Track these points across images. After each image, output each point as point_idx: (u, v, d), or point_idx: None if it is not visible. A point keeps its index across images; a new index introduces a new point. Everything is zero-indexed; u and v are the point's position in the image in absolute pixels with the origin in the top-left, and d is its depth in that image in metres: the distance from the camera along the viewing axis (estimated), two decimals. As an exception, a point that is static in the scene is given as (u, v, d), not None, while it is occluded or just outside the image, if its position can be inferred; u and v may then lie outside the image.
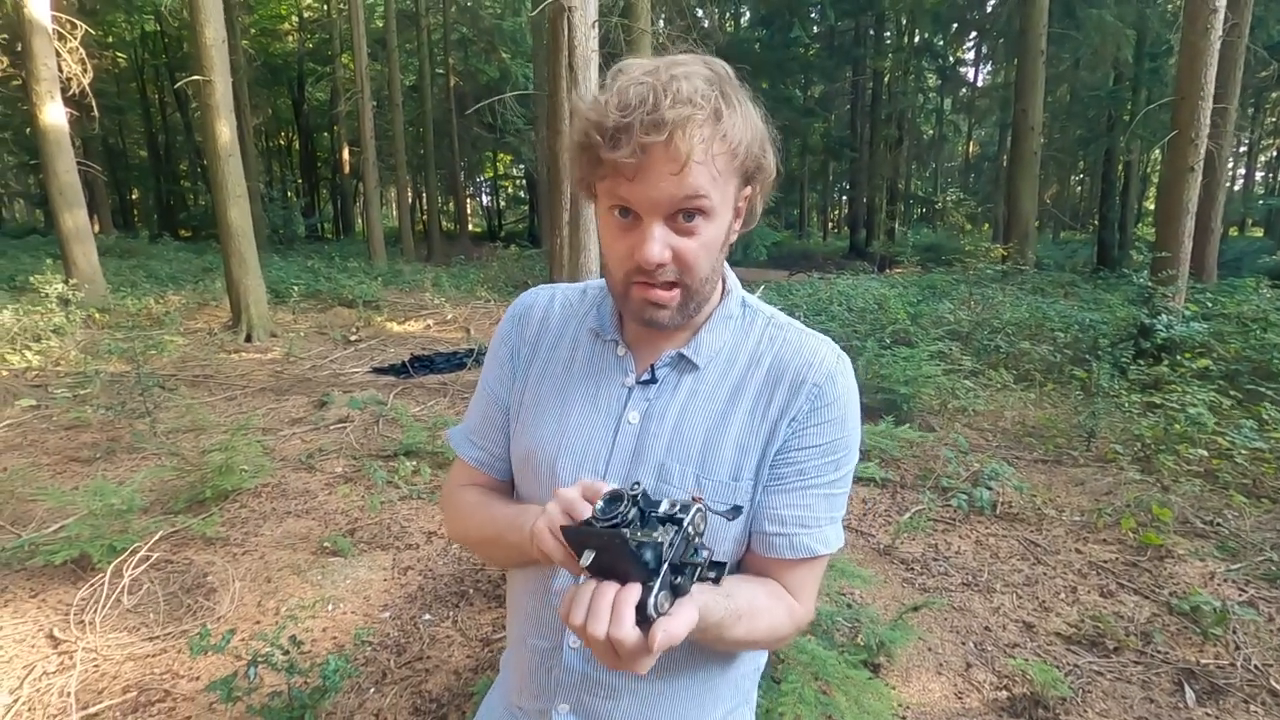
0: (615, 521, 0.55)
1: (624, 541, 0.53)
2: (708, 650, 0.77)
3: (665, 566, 0.55)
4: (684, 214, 0.66)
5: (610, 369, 0.80)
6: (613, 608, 0.55)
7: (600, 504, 0.57)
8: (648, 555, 0.54)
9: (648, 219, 0.66)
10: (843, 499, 0.78)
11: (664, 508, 0.57)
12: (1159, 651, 2.31)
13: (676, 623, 0.55)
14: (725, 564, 0.61)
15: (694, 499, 0.58)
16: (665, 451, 0.75)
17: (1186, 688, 2.13)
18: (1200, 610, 2.42)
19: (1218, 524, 3.17)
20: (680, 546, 0.56)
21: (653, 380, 0.77)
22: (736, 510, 0.66)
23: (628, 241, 0.68)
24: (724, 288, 0.80)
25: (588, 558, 0.56)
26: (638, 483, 0.58)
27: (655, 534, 0.55)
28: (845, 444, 0.76)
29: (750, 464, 0.74)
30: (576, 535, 0.57)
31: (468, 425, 0.90)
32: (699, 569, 0.57)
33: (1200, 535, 3.10)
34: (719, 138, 0.64)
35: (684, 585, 0.56)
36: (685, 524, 0.56)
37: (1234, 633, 2.35)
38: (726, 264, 0.82)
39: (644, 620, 0.54)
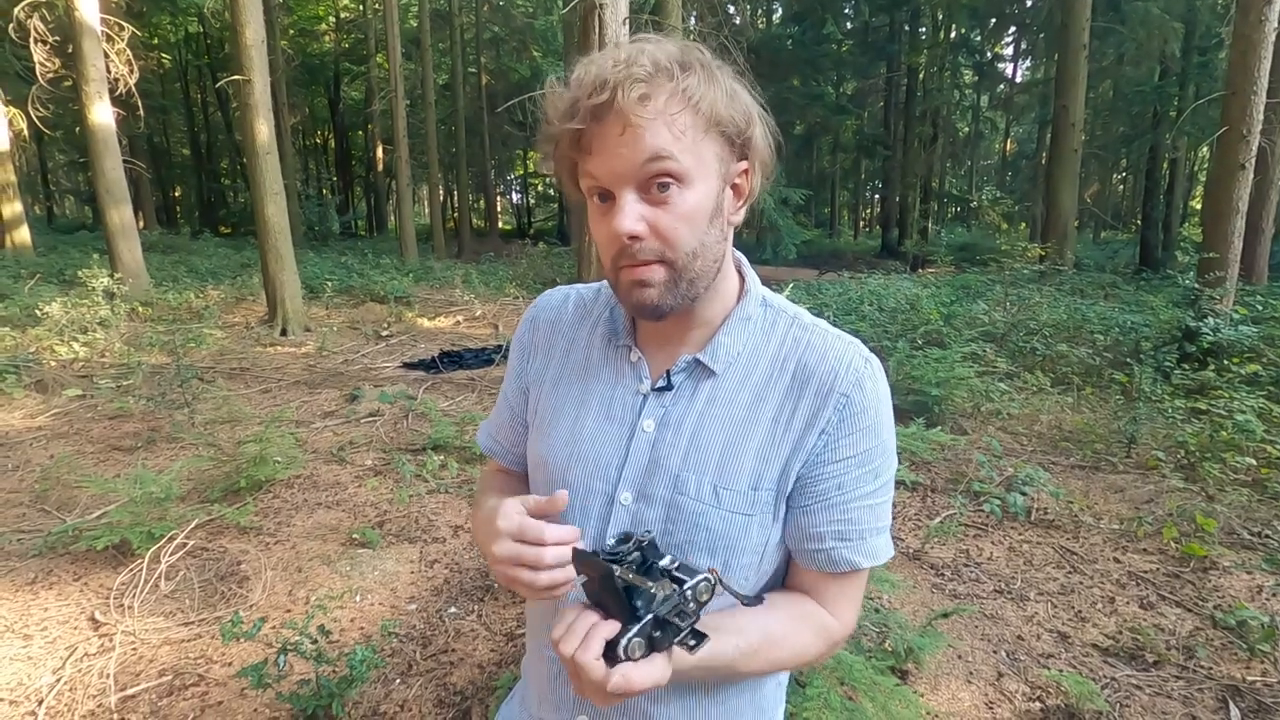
0: (616, 558, 0.58)
1: (611, 575, 0.56)
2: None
3: (650, 616, 0.56)
4: (657, 184, 0.63)
5: (624, 375, 0.78)
6: (586, 634, 0.57)
7: (612, 540, 0.60)
8: (637, 600, 0.57)
9: (618, 192, 0.64)
10: (886, 509, 0.75)
11: (665, 561, 0.59)
12: (1202, 667, 2.22)
13: (639, 672, 0.55)
14: (706, 637, 0.60)
15: (710, 570, 0.59)
16: (681, 462, 0.72)
17: (1231, 706, 2.05)
18: (1247, 625, 2.33)
19: (1266, 536, 3.04)
20: (673, 604, 0.57)
21: (668, 387, 0.75)
22: (759, 599, 0.66)
23: (608, 224, 0.66)
24: (742, 287, 0.77)
25: (580, 580, 0.59)
26: (649, 530, 0.61)
27: (652, 584, 0.57)
28: (881, 451, 0.72)
29: (772, 473, 0.71)
30: (580, 558, 0.60)
31: (489, 419, 0.96)
32: (681, 633, 0.58)
33: (1247, 547, 2.98)
34: (673, 95, 0.62)
35: (662, 641, 0.57)
36: (686, 587, 0.57)
37: (1283, 649, 2.25)
38: (748, 263, 0.79)
39: (613, 658, 0.56)
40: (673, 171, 0.62)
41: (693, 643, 0.58)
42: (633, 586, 0.56)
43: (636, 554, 0.59)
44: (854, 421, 0.70)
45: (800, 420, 0.71)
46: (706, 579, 0.58)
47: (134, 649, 2.22)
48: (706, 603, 0.58)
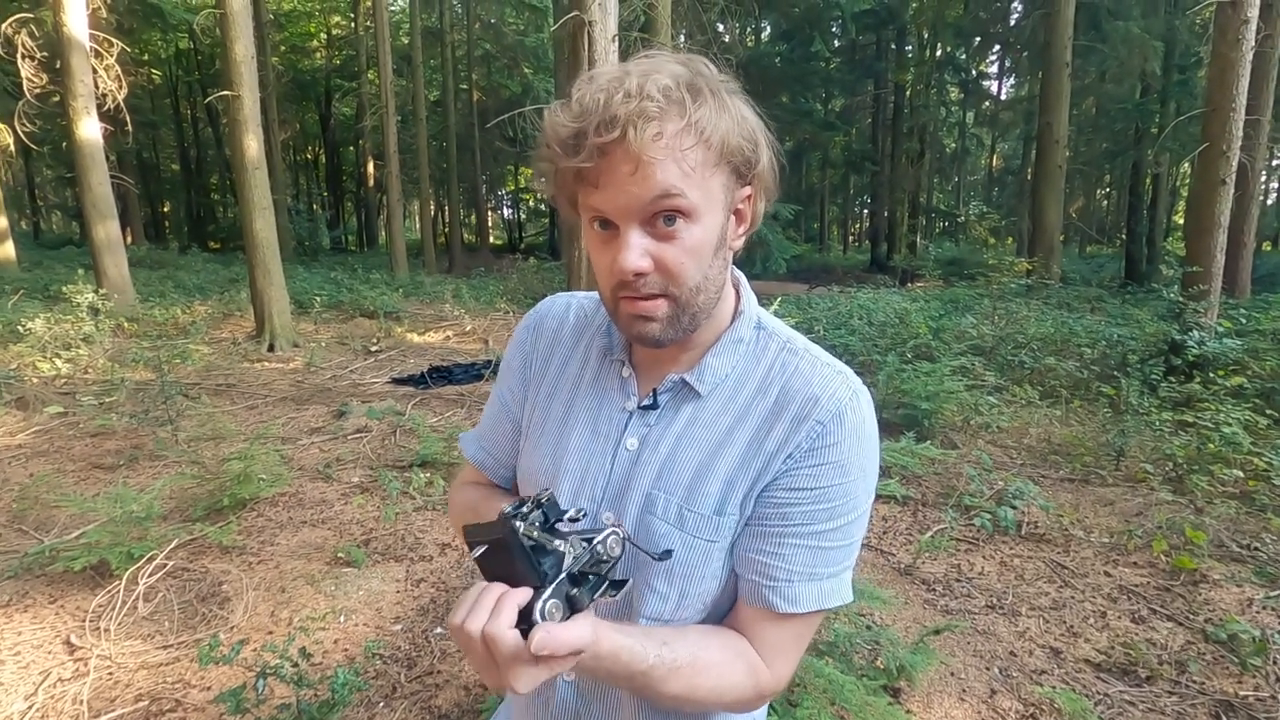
0: (515, 518, 0.52)
1: (514, 533, 0.50)
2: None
3: (563, 575, 0.51)
4: (663, 217, 0.61)
5: (613, 391, 0.76)
6: (495, 605, 0.51)
7: (508, 506, 0.55)
8: (546, 562, 0.52)
9: (623, 226, 0.62)
10: (837, 554, 0.69)
11: (570, 514, 0.56)
12: (1194, 681, 2.21)
13: (564, 630, 0.50)
14: (628, 581, 0.57)
15: (615, 524, 0.56)
16: (653, 481, 0.70)
17: (1224, 721, 2.04)
18: (1238, 639, 2.32)
19: (1255, 548, 3.05)
20: (584, 560, 0.53)
21: (654, 406, 0.73)
22: (667, 554, 0.63)
23: (610, 254, 0.64)
24: (737, 307, 0.75)
25: (478, 550, 0.53)
26: (546, 488, 0.57)
27: (559, 542, 0.52)
28: (844, 491, 0.67)
29: (737, 498, 0.68)
30: (473, 530, 0.54)
31: (478, 428, 0.91)
32: (602, 584, 0.54)
33: (1236, 560, 2.98)
34: (685, 130, 0.59)
35: (581, 599, 0.52)
36: (595, 542, 0.53)
37: (1274, 663, 2.24)
38: (746, 283, 0.77)
39: (529, 627, 0.50)
40: (681, 208, 0.61)
41: (614, 593, 0.55)
42: (539, 545, 0.52)
43: (537, 512, 0.54)
44: (822, 453, 0.66)
45: (772, 444, 0.68)
46: (615, 532, 0.55)
47: (110, 673, 2.16)
48: (619, 557, 0.55)
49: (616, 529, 0.56)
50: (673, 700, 0.64)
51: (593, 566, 0.54)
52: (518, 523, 0.51)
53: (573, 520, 0.56)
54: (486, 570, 0.54)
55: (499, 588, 0.52)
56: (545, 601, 0.50)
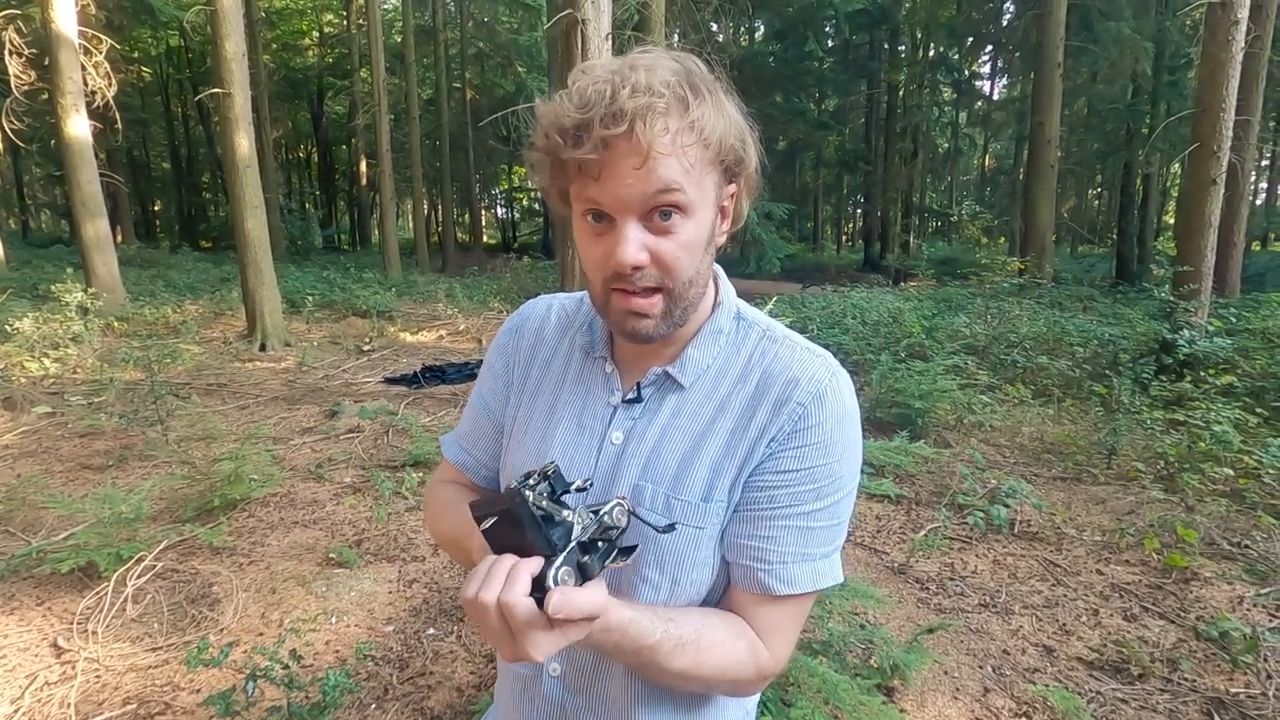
0: (522, 488, 0.53)
1: (524, 503, 0.51)
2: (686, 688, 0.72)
3: (574, 544, 0.52)
4: (660, 212, 0.62)
5: (597, 387, 0.77)
6: (509, 575, 0.51)
7: (515, 480, 0.55)
8: (555, 532, 0.52)
9: (620, 220, 0.62)
10: (826, 534, 0.70)
11: (576, 484, 0.57)
12: (1186, 679, 2.22)
13: (580, 594, 0.51)
14: (637, 546, 0.58)
15: (620, 498, 0.57)
16: (640, 472, 0.71)
17: (1215, 718, 2.04)
18: (1229, 636, 2.33)
19: (1246, 546, 3.06)
20: (592, 529, 0.54)
21: (638, 399, 0.74)
22: (670, 527, 0.64)
23: (603, 247, 0.64)
24: (716, 299, 0.76)
25: (488, 523, 0.53)
26: (553, 461, 0.58)
27: (566, 513, 0.53)
28: (829, 472, 0.68)
29: (724, 484, 0.69)
30: (479, 505, 0.55)
31: (458, 431, 0.91)
32: (612, 551, 0.55)
33: (1227, 557, 3.00)
34: (687, 127, 0.60)
35: (592, 566, 0.53)
36: (602, 513, 0.54)
37: (1265, 660, 2.26)
38: (724, 275, 0.78)
39: (542, 595, 0.50)
40: (679, 203, 0.62)
41: (625, 559, 0.56)
42: (548, 515, 0.52)
43: (545, 484, 0.55)
44: (805, 435, 0.67)
45: (755, 429, 0.69)
46: (620, 504, 0.56)
47: (97, 676, 2.14)
48: (624, 528, 0.56)
49: (621, 501, 0.57)
50: (677, 676, 0.65)
51: (601, 534, 0.55)
52: (527, 493, 0.52)
53: (579, 490, 0.57)
54: (495, 543, 0.54)
55: (510, 558, 0.53)
56: (558, 569, 0.51)
